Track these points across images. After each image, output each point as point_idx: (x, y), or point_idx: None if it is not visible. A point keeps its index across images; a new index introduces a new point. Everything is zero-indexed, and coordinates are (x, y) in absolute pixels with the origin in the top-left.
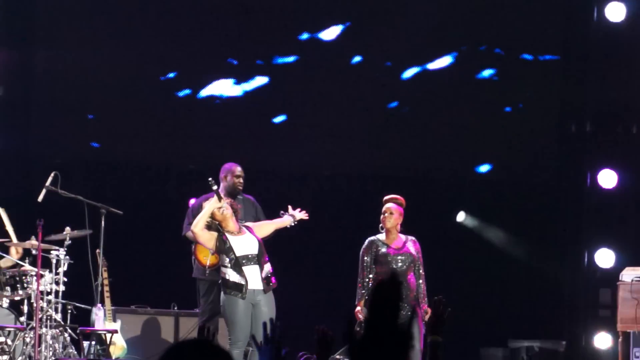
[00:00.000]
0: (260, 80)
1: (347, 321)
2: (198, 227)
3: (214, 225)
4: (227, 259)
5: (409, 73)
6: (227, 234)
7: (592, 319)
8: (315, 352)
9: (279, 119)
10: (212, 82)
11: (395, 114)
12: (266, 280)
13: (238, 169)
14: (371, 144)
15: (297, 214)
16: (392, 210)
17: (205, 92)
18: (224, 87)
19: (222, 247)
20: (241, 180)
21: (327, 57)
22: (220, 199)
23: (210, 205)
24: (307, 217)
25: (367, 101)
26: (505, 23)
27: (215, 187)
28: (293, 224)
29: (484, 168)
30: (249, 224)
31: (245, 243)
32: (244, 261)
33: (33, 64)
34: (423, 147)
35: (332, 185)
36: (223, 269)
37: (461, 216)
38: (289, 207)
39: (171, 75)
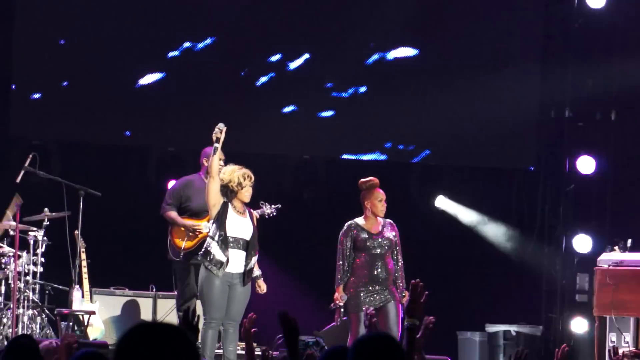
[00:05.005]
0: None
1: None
2: (214, 170)
3: (229, 190)
4: (217, 233)
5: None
6: (230, 208)
7: (569, 304)
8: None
9: (260, 99)
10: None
11: (366, 98)
12: (246, 273)
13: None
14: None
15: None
16: (384, 197)
17: (184, 74)
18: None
19: (218, 218)
20: (222, 163)
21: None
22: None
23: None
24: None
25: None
26: (487, 8)
27: (216, 145)
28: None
29: (462, 154)
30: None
31: (241, 226)
32: (232, 243)
33: (12, 44)
34: (398, 131)
35: (311, 168)
36: (209, 240)
37: (440, 200)
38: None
39: (149, 57)
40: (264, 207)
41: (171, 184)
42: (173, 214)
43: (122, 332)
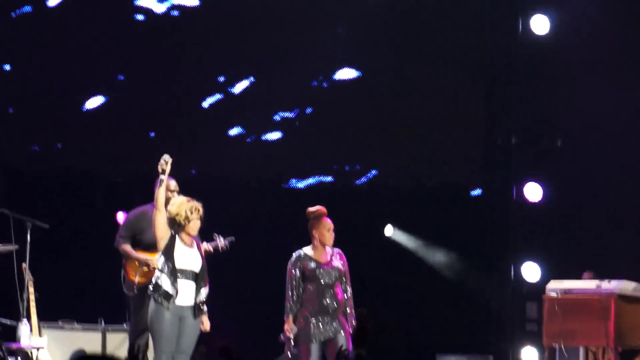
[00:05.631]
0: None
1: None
2: (160, 203)
3: (176, 223)
4: (166, 265)
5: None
6: (178, 240)
7: (519, 333)
8: None
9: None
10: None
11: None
12: (198, 306)
13: (172, 184)
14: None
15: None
16: (332, 226)
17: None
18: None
19: (166, 250)
20: (175, 194)
21: None
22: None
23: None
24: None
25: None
26: (432, 32)
27: (162, 177)
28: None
29: (408, 178)
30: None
31: (189, 258)
32: (180, 274)
33: None
34: (345, 153)
35: (258, 194)
36: (157, 272)
37: (389, 230)
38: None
39: (94, 81)
40: (217, 239)
41: (120, 215)
42: (127, 247)
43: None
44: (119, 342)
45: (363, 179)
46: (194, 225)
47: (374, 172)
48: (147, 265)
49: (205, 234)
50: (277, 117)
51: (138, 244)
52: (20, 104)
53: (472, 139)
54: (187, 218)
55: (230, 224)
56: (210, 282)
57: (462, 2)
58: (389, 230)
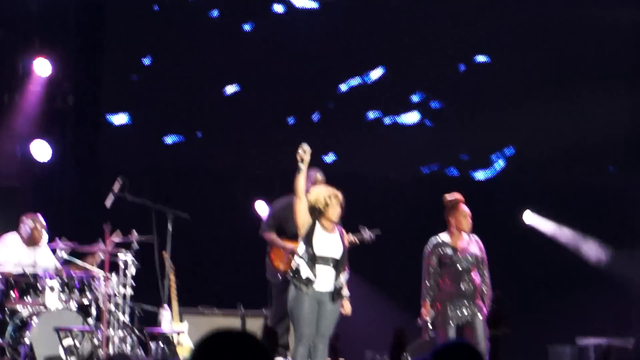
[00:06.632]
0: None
1: None
2: (300, 190)
3: (316, 210)
4: (306, 251)
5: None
6: (318, 226)
7: None
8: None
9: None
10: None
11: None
12: (336, 291)
13: (319, 176)
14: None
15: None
16: (469, 213)
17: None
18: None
19: (306, 237)
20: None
21: None
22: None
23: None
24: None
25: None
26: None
27: (301, 166)
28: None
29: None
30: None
31: (329, 244)
32: (320, 261)
33: (101, 71)
34: (477, 143)
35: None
36: (297, 259)
37: (528, 216)
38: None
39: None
40: (363, 232)
41: (259, 205)
42: (273, 235)
43: (199, 339)
44: (257, 327)
45: (500, 159)
46: (334, 211)
47: (511, 149)
48: (293, 253)
49: (352, 228)
50: (414, 99)
51: (283, 233)
52: (160, 96)
53: (615, 128)
54: (326, 204)
55: (369, 211)
56: (351, 268)
57: None
58: (528, 217)
